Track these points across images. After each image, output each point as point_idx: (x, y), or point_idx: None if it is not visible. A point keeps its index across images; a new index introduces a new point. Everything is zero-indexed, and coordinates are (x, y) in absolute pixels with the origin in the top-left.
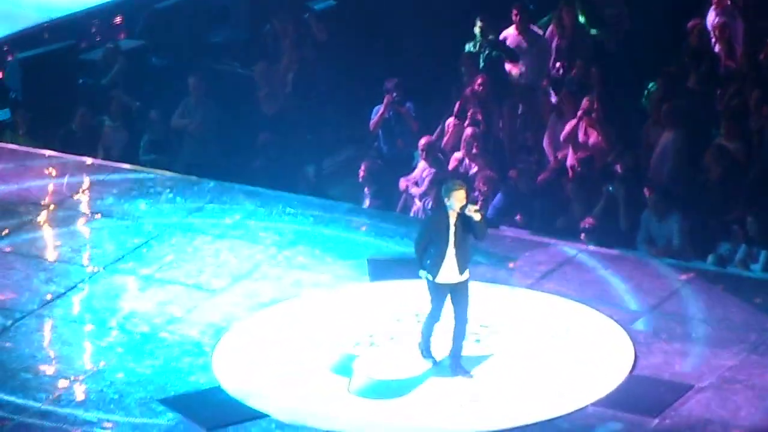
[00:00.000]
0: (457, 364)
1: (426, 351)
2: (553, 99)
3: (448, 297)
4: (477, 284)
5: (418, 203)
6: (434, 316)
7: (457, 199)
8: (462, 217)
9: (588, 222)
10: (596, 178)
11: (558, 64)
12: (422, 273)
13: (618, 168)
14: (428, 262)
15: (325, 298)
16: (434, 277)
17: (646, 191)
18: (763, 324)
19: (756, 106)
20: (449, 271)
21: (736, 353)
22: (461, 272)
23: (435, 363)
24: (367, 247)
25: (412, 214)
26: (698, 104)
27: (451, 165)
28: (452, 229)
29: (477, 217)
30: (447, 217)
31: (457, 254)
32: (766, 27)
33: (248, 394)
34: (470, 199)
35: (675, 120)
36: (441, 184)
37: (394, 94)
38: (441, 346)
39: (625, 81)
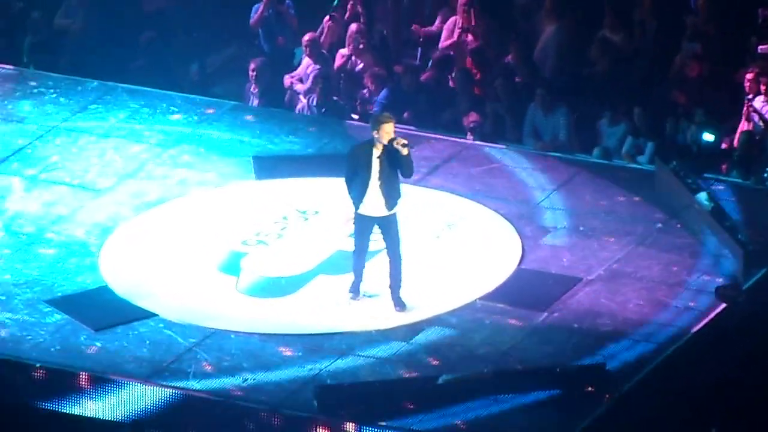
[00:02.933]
0: (395, 299)
1: (354, 288)
2: None
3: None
4: None
5: (303, 100)
6: (358, 251)
7: (385, 132)
8: (388, 150)
9: (473, 118)
10: (479, 74)
11: None
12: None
13: (504, 61)
14: (353, 193)
15: (211, 196)
16: (357, 208)
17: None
18: (650, 216)
19: None
20: (373, 205)
21: (623, 245)
22: (389, 207)
23: (362, 296)
24: (253, 146)
25: (297, 111)
26: None
27: (337, 62)
28: (376, 162)
29: (404, 151)
30: (371, 149)
31: (382, 187)
32: None
33: (136, 294)
34: (362, 99)
35: (558, 12)
36: (325, 79)
37: None
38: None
39: None
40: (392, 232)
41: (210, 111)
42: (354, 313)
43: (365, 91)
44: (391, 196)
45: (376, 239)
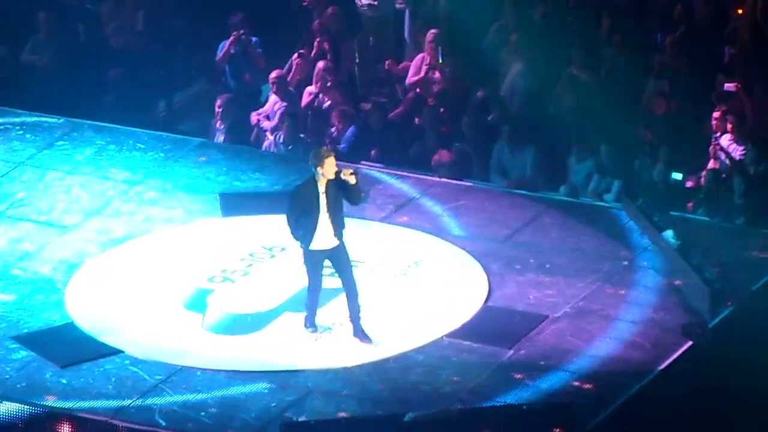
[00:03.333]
0: (357, 330)
1: (311, 323)
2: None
3: (326, 265)
4: None
5: (270, 137)
6: (313, 287)
7: (329, 165)
8: (334, 182)
9: (438, 155)
10: (451, 110)
11: None
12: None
13: (473, 100)
14: (300, 232)
15: (178, 233)
16: (307, 245)
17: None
18: (617, 253)
19: (608, 34)
20: (323, 238)
21: (590, 283)
22: (338, 237)
23: (320, 331)
24: (219, 183)
25: (264, 149)
26: (549, 35)
27: (305, 99)
28: (322, 197)
29: (353, 180)
30: (315, 185)
31: (331, 220)
32: None
33: (102, 331)
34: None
35: (523, 50)
36: (292, 117)
37: (241, 30)
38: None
39: (480, 11)
40: (344, 261)
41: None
42: (320, 350)
43: (333, 128)
44: (339, 225)
45: (331, 274)
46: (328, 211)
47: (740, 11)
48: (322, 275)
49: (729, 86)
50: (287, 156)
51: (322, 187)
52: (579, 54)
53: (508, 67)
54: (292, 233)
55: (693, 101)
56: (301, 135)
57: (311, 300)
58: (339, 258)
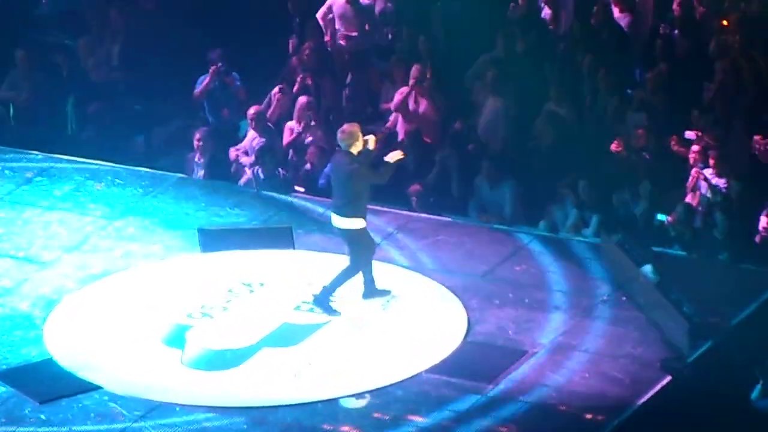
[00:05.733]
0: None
1: (326, 304)
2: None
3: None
4: (310, 253)
5: (248, 172)
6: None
7: (361, 140)
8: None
9: (415, 188)
10: (427, 146)
11: (386, 31)
12: None
13: (451, 135)
14: (363, 210)
15: (156, 269)
16: (365, 221)
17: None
18: (596, 289)
19: (589, 70)
20: None
21: (569, 318)
22: None
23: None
24: (198, 218)
25: (242, 184)
26: (527, 70)
27: (286, 136)
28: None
29: (373, 146)
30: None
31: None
32: None
33: (81, 366)
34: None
35: (502, 87)
36: (271, 152)
37: (220, 64)
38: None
39: (458, 48)
40: None
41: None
42: (298, 386)
43: (308, 165)
44: None
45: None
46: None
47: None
48: None
49: (689, 134)
50: (265, 191)
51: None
52: (557, 89)
53: (484, 102)
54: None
55: (670, 135)
56: (280, 170)
57: (342, 279)
58: None
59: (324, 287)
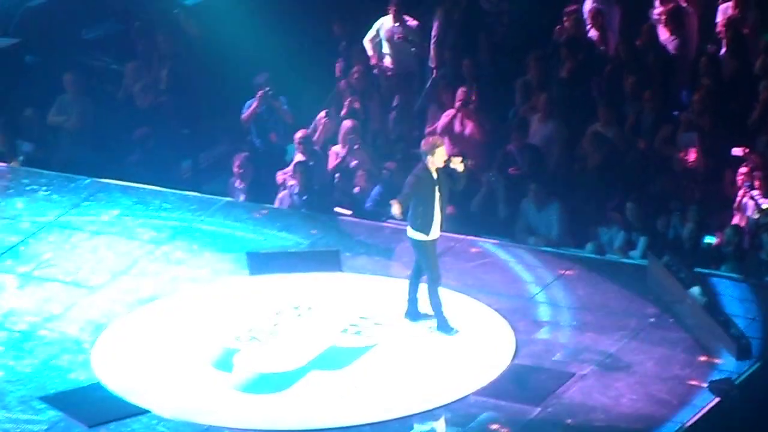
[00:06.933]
0: (441, 323)
1: (445, 326)
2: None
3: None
4: (357, 276)
5: (284, 190)
6: (437, 277)
7: (440, 154)
8: (444, 171)
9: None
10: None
11: (433, 55)
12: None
13: (498, 157)
14: (419, 221)
15: (204, 293)
16: (428, 234)
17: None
18: (643, 310)
19: (633, 91)
20: (437, 228)
21: (616, 340)
22: (442, 228)
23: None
24: (246, 242)
25: (276, 204)
26: (574, 92)
27: (332, 160)
28: (437, 186)
29: (461, 167)
30: (430, 174)
31: (442, 209)
32: (642, 13)
33: (129, 391)
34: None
35: (552, 109)
36: (305, 167)
37: (267, 88)
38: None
39: (503, 70)
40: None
41: (202, 208)
42: (347, 408)
43: (356, 188)
44: (444, 216)
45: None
46: (441, 200)
47: None
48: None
49: (737, 151)
50: (311, 214)
51: (435, 176)
52: (604, 111)
53: (532, 124)
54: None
55: (718, 158)
56: (315, 187)
57: (436, 294)
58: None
59: (434, 315)
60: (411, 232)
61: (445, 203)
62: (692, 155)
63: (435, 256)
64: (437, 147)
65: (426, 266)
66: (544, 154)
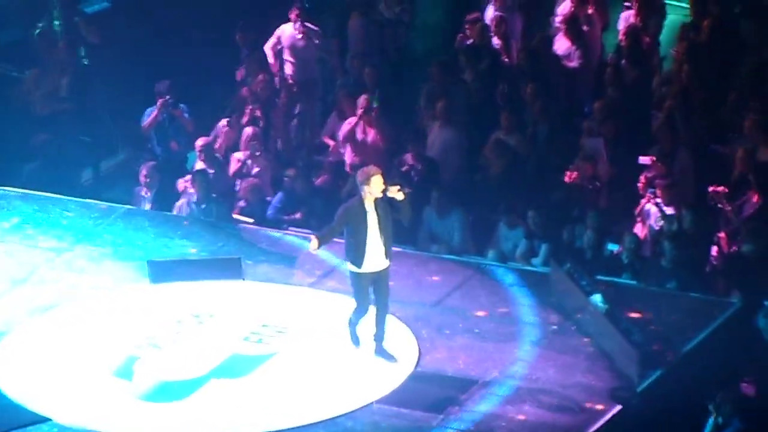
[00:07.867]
0: (380, 350)
1: (355, 340)
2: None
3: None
4: (258, 284)
5: (182, 199)
6: (361, 310)
7: (376, 183)
8: (382, 201)
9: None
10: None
11: (334, 62)
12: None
13: (400, 165)
14: (351, 253)
15: (105, 300)
16: (359, 267)
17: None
18: (546, 318)
19: (531, 99)
20: (374, 260)
21: (519, 347)
22: (389, 258)
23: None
24: (147, 249)
25: (176, 210)
26: (475, 99)
27: (233, 166)
28: (371, 216)
29: (400, 196)
30: (363, 204)
31: (381, 240)
32: (544, 20)
33: (29, 398)
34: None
35: (450, 117)
36: (203, 175)
37: (168, 97)
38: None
39: (407, 78)
40: (387, 285)
41: (103, 215)
42: (247, 417)
43: (242, 202)
44: (390, 245)
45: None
46: (378, 231)
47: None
48: (369, 295)
49: (644, 159)
50: (213, 222)
51: (370, 206)
52: (506, 118)
53: (433, 132)
54: (320, 241)
55: (623, 166)
56: (213, 195)
57: (355, 320)
58: (383, 280)
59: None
60: (349, 265)
61: (388, 234)
62: (589, 168)
63: (365, 289)
64: (372, 176)
65: (354, 296)
66: (439, 164)
